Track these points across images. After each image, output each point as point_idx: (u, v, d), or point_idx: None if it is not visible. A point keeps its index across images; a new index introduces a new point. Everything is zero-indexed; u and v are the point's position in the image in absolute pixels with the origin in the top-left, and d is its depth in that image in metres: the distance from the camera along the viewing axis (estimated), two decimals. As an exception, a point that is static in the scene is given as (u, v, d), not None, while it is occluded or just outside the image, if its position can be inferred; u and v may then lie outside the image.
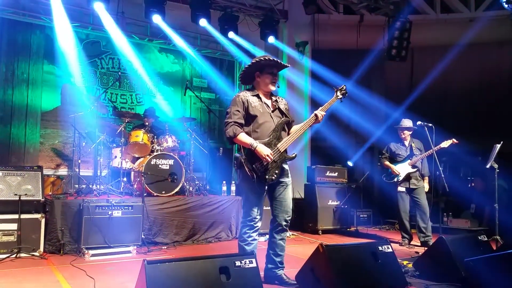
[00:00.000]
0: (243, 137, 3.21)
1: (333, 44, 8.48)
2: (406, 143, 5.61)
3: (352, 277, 2.94)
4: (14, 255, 4.23)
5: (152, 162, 5.52)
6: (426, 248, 4.25)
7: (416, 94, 7.79)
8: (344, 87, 3.52)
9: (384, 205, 6.85)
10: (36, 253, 4.37)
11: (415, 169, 5.44)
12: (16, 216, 4.33)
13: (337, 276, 2.85)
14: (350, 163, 7.48)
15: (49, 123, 7.06)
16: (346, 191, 6.81)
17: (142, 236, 4.78)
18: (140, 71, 7.67)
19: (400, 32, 7.36)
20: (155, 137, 6.05)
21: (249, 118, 3.29)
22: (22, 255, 4.29)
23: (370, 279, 3.02)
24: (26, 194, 4.44)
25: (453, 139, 5.19)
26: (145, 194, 5.30)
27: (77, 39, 7.22)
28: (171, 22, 7.16)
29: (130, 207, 4.70)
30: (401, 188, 5.51)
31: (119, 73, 6.40)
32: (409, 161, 5.46)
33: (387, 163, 5.62)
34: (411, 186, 5.43)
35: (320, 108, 3.43)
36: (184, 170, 5.75)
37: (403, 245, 5.43)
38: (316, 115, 3.38)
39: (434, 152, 4.91)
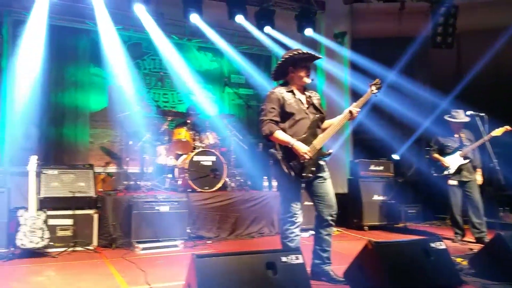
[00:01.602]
0: (280, 134, 3.19)
1: (373, 34, 8.23)
2: (455, 134, 5.36)
3: (404, 275, 2.84)
4: (71, 249, 4.48)
5: (194, 159, 5.64)
6: (481, 245, 4.04)
7: (464, 82, 7.41)
8: (379, 81, 3.41)
9: (434, 199, 6.56)
10: (90, 247, 4.60)
11: (467, 161, 5.16)
12: (71, 212, 4.58)
13: (388, 274, 2.77)
14: (396, 156, 7.25)
15: (98, 123, 7.39)
16: (392, 185, 6.59)
17: (188, 230, 4.90)
18: (180, 70, 7.80)
19: (445, 18, 7.04)
20: (197, 134, 6.16)
21: (285, 115, 3.26)
22: (78, 248, 4.53)
23: (423, 277, 2.91)
24: (79, 191, 4.69)
25: (507, 126, 4.87)
26: (189, 190, 5.44)
27: (120, 41, 7.47)
28: (208, 21, 7.23)
29: (176, 203, 4.83)
30: (452, 182, 5.24)
31: (161, 73, 6.57)
32: (459, 152, 5.21)
33: (436, 155, 5.38)
34: (463, 179, 5.18)
35: (354, 104, 3.35)
36: (225, 166, 5.83)
37: (456, 242, 5.18)
38: (350, 111, 3.31)
39: (487, 142, 4.65)
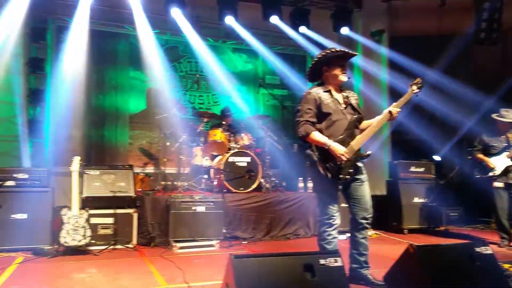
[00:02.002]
0: (316, 135, 3.14)
1: (411, 31, 7.99)
2: (502, 134, 5.09)
3: (447, 280, 2.71)
4: (111, 247, 4.62)
5: (230, 160, 5.68)
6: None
7: (511, 80, 7.04)
8: (420, 80, 3.29)
9: (477, 202, 6.27)
10: (130, 245, 4.73)
11: (515, 162, 4.92)
12: (112, 211, 4.72)
13: (431, 279, 2.66)
14: (437, 157, 6.99)
15: (137, 125, 7.61)
16: (433, 187, 6.35)
17: (223, 230, 4.94)
18: (216, 72, 7.90)
19: (490, 13, 6.71)
20: (232, 135, 6.21)
21: (322, 116, 3.20)
22: (118, 246, 4.67)
23: (468, 283, 2.77)
24: (120, 191, 4.83)
25: None
26: (224, 191, 5.48)
27: (158, 45, 7.65)
28: (243, 22, 7.30)
29: (212, 203, 4.89)
30: (498, 184, 4.98)
31: (197, 75, 6.68)
32: (506, 153, 4.95)
33: (480, 156, 5.14)
34: (510, 181, 4.92)
35: (394, 104, 3.25)
36: (260, 167, 5.84)
37: (502, 247, 4.92)
38: (390, 112, 3.21)
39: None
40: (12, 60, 6.12)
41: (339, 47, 3.27)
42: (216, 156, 6.17)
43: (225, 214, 5.03)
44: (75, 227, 4.27)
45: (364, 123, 3.33)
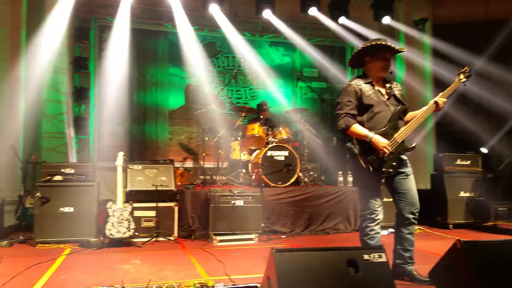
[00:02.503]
0: (357, 128, 3.05)
1: (456, 18, 7.63)
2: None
3: (497, 278, 2.58)
4: (154, 239, 4.75)
5: (268, 154, 5.67)
6: None
7: None
8: (467, 69, 3.13)
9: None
10: (171, 238, 4.84)
11: None
12: (154, 204, 4.85)
13: (479, 277, 2.53)
14: (484, 150, 6.65)
15: (176, 120, 7.77)
16: (481, 181, 6.05)
17: (262, 224, 4.95)
18: (253, 67, 7.92)
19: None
20: (270, 129, 6.19)
21: (363, 108, 3.11)
22: (160, 239, 4.79)
23: (520, 281, 2.62)
24: (161, 185, 4.95)
25: None
26: (262, 185, 5.48)
27: (196, 41, 7.76)
28: (280, 15, 7.27)
29: (250, 197, 4.91)
30: None
31: (235, 70, 6.72)
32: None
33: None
34: None
35: (441, 94, 3.11)
36: (298, 161, 5.79)
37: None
38: (436, 102, 3.08)
39: None
40: (58, 60, 6.41)
41: (386, 40, 3.14)
42: (254, 150, 6.19)
43: (264, 208, 5.04)
44: (119, 220, 4.41)
45: (409, 115, 3.21)
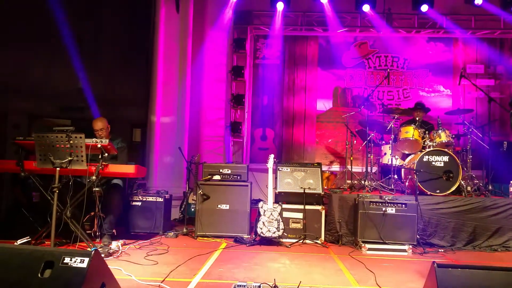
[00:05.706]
0: None
1: None
2: None
3: None
4: (301, 241, 4.81)
5: (424, 159, 5.20)
6: None
7: None
8: None
9: None
10: (318, 241, 4.83)
11: None
12: (301, 207, 4.92)
13: None
14: None
15: (323, 124, 7.82)
16: None
17: (417, 236, 4.57)
18: (407, 65, 7.48)
19: None
20: (426, 132, 5.69)
21: None
22: (307, 241, 4.84)
23: None
24: (309, 188, 5.00)
25: None
26: (417, 192, 5.04)
27: (346, 43, 7.69)
28: (440, 9, 6.73)
29: (403, 205, 4.59)
30: None
31: (388, 70, 6.41)
32: None
33: None
34: None
35: None
36: (460, 168, 5.16)
37: None
38: None
39: None
40: (217, 70, 7.14)
41: None
42: (408, 155, 5.77)
43: (419, 218, 4.64)
44: (270, 219, 4.60)
45: None
